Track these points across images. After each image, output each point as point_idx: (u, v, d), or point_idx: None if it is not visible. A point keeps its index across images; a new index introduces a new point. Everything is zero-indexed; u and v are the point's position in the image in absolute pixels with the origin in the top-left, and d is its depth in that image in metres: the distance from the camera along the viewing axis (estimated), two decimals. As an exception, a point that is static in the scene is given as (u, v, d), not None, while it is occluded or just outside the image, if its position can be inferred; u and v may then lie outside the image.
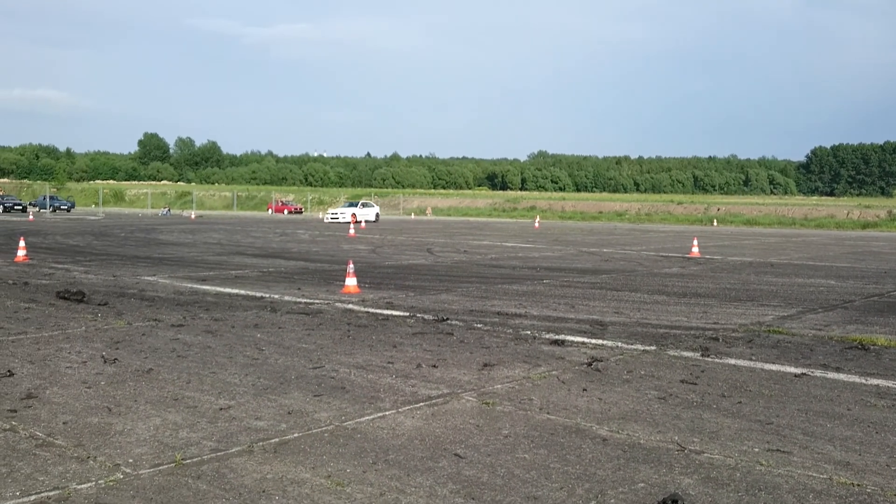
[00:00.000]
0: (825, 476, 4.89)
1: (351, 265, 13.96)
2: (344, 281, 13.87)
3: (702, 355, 8.56)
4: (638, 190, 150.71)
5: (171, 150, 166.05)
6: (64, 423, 5.71)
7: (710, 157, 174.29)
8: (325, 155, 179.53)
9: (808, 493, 4.60)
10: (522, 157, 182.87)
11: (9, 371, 7.19)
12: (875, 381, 7.48)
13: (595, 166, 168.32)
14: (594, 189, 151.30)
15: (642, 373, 7.71)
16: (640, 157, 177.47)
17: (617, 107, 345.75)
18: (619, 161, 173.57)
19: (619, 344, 9.18)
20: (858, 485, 4.75)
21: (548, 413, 6.21)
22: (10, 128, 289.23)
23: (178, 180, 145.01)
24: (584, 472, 4.90)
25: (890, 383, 7.42)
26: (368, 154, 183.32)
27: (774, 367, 8.03)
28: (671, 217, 67.55)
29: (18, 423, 5.69)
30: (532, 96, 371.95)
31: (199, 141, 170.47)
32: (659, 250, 27.33)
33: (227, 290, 13.71)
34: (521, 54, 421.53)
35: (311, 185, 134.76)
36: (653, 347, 9.00)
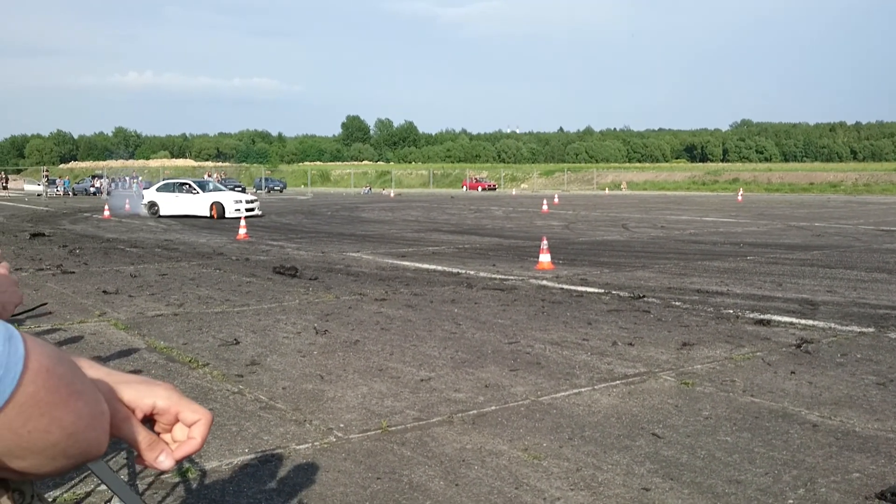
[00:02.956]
0: None
1: (545, 241, 14.01)
2: (538, 257, 13.95)
3: (929, 339, 7.84)
4: (855, 159, 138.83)
5: (372, 132, 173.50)
6: (283, 388, 6.22)
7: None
8: (517, 131, 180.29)
9: None
10: (724, 127, 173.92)
11: (235, 339, 7.92)
12: None
13: (805, 134, 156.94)
14: (804, 159, 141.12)
15: (858, 356, 7.19)
16: (858, 123, 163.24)
17: (829, 68, 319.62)
18: (833, 128, 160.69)
19: (832, 325, 8.61)
20: None
21: (752, 395, 5.97)
22: (230, 115, 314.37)
23: (378, 160, 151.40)
24: (792, 459, 4.68)
25: None
26: (561, 129, 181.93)
27: None
28: (894, 187, 61.78)
29: (245, 386, 6.27)
30: (732, 62, 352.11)
31: (397, 122, 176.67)
32: (879, 224, 25.15)
33: (425, 265, 14.21)
34: (718, 18, 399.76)
35: (504, 162, 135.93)
36: (871, 329, 8.36)
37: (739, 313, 9.30)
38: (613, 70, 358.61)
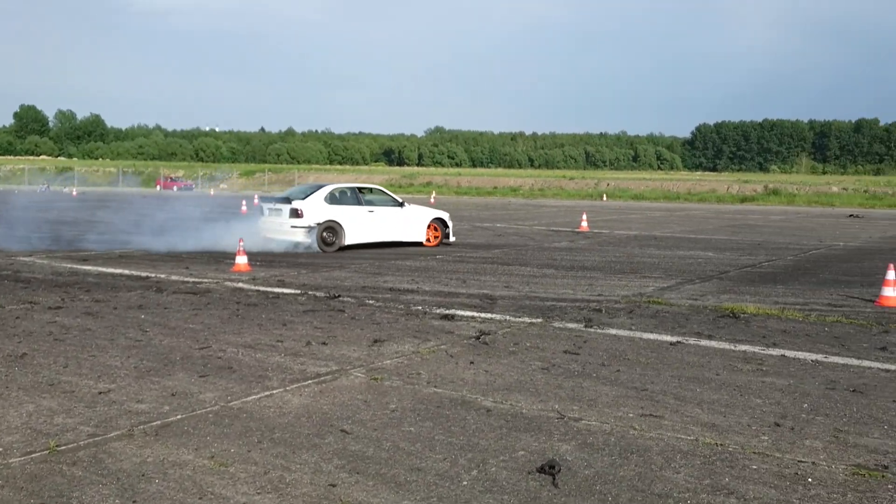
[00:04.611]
0: (692, 437, 5.19)
1: (242, 243, 13.71)
2: (234, 259, 13.61)
3: (585, 326, 8.87)
4: (532, 165, 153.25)
5: (51, 124, 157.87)
6: (-72, 412, 5.43)
7: (601, 133, 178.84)
8: (216, 129, 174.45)
9: (675, 453, 4.88)
10: (419, 133, 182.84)
11: None
12: (743, 347, 7.94)
13: (491, 142, 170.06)
14: (490, 164, 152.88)
15: (528, 344, 7.94)
16: (535, 133, 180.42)
17: (511, 83, 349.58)
18: (514, 137, 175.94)
19: (507, 317, 9.41)
20: (721, 444, 5.06)
21: (435, 387, 6.33)
22: None
23: (59, 155, 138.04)
24: (468, 443, 5.03)
25: (756, 349, 7.89)
26: (262, 129, 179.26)
27: (652, 336, 8.40)
28: (563, 192, 69.09)
29: None
30: (429, 72, 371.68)
31: (82, 114, 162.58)
32: (550, 225, 27.97)
33: (110, 269, 13.24)
34: (416, 30, 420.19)
35: (203, 161, 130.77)
36: (539, 320, 9.26)
37: (427, 309, 9.82)
38: (315, 71, 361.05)
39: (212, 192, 64.64)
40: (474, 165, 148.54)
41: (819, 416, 5.72)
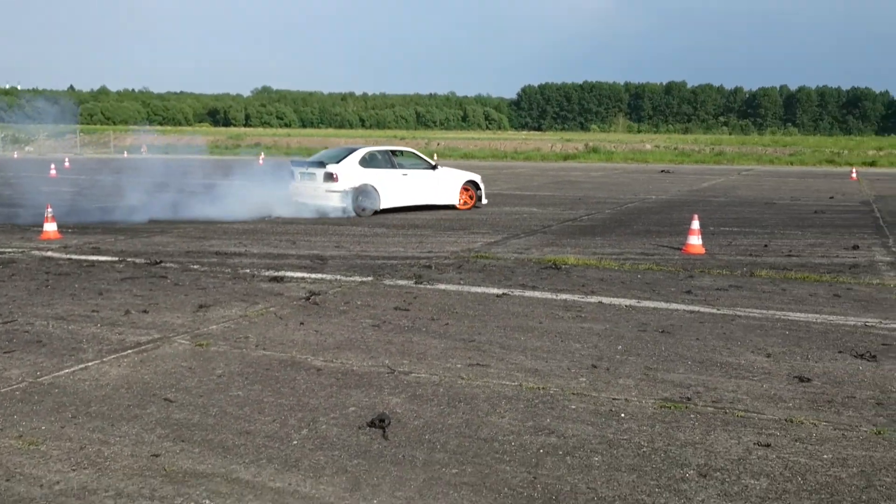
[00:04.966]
0: (516, 383, 5.40)
1: (50, 209, 12.75)
2: (43, 227, 12.66)
3: (415, 283, 8.98)
4: (363, 126, 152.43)
5: None
6: None
7: (430, 94, 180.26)
8: (18, 87, 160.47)
9: (500, 399, 5.07)
10: (245, 93, 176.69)
11: None
12: (564, 296, 8.33)
13: (321, 102, 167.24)
14: (320, 125, 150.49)
15: (359, 303, 7.94)
16: (365, 94, 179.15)
17: (341, 43, 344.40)
18: (344, 97, 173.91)
19: (338, 277, 9.36)
20: (543, 388, 5.31)
21: (264, 349, 6.21)
22: None
23: None
24: (298, 403, 4.98)
25: (576, 297, 8.30)
26: (72, 87, 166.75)
27: (479, 290, 8.64)
28: (395, 152, 69.29)
29: None
30: (253, 30, 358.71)
31: None
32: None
33: None
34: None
35: (3, 122, 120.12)
36: (370, 278, 9.28)
37: (256, 272, 9.59)
38: (131, 27, 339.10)
39: (15, 156, 59.67)
40: (304, 126, 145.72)
41: (632, 356, 6.11)
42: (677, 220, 15.97)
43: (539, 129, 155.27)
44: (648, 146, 64.75)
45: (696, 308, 7.82)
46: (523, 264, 10.40)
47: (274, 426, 4.59)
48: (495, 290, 8.59)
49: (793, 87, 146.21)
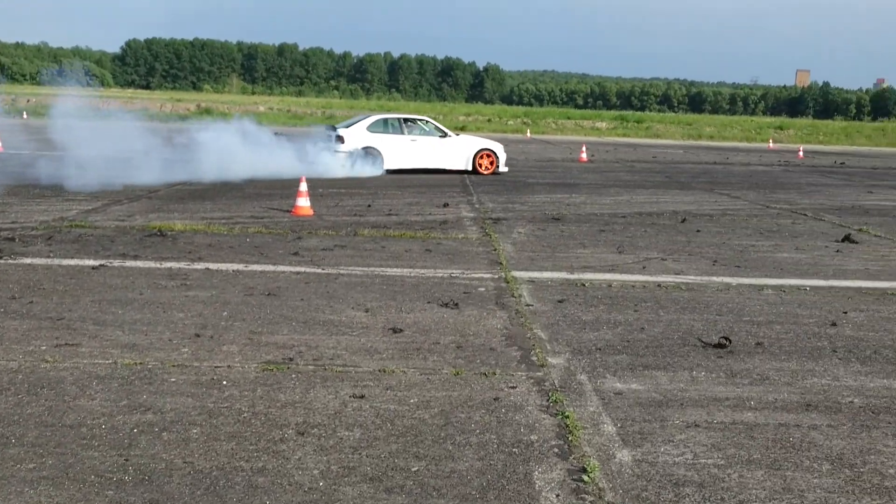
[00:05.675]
0: (111, 361, 5.05)
1: None
2: None
3: (-6, 258, 7.94)
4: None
5: None
6: None
7: (17, 42, 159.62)
8: None
9: (92, 380, 4.70)
10: None
11: None
12: (169, 265, 7.98)
13: None
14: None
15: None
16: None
17: None
18: None
19: None
20: (141, 363, 5.03)
21: None
22: None
23: None
24: None
25: (182, 264, 8.00)
26: None
27: (73, 262, 7.91)
28: (-27, 108, 60.31)
29: None
30: None
31: None
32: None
33: None
34: None
35: None
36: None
37: None
38: None
39: None
40: None
41: (237, 321, 6.06)
42: (288, 183, 16.17)
43: (148, 87, 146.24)
44: (262, 108, 64.60)
45: (303, 269, 8.00)
46: (125, 232, 9.74)
47: None
48: (91, 262, 7.93)
49: (396, 54, 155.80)
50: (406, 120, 19.54)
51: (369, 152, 18.32)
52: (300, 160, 17.59)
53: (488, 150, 19.89)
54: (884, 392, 5.04)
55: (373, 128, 18.81)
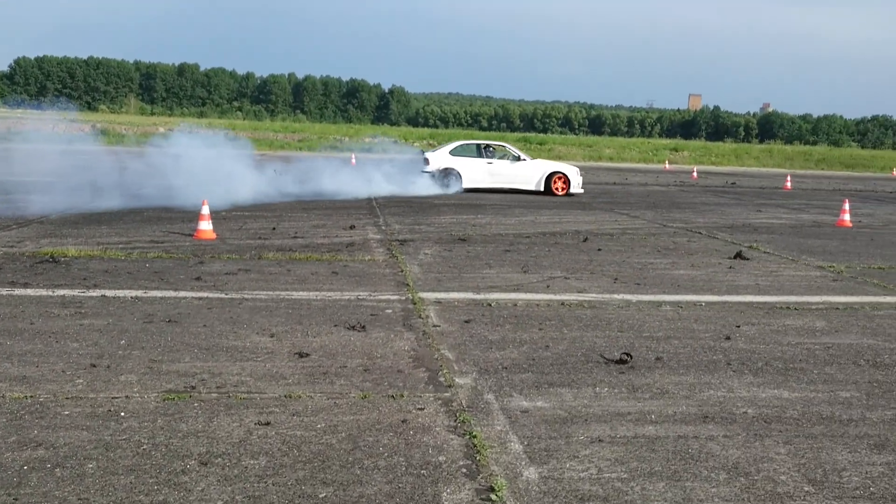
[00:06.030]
0: (-2, 395, 4.79)
1: None
2: None
3: None
4: None
5: None
6: None
7: None
8: None
9: (-23, 417, 4.45)
10: None
11: None
12: (62, 292, 7.65)
13: None
14: None
15: None
16: None
17: None
18: None
19: None
20: (32, 396, 4.80)
21: None
22: None
23: None
24: None
25: (76, 292, 7.68)
26: None
27: (-44, 292, 7.49)
28: None
29: None
30: None
31: None
32: None
33: None
34: None
35: None
36: None
37: None
38: None
39: None
40: None
41: (136, 350, 5.86)
42: (192, 205, 15.78)
43: (40, 107, 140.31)
44: (162, 129, 62.91)
45: (205, 294, 7.81)
46: (14, 259, 9.30)
47: None
48: (-24, 291, 7.53)
49: (300, 75, 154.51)
50: (486, 146, 22.13)
51: (450, 172, 21.08)
52: (388, 181, 20.78)
53: (560, 172, 21.71)
54: (775, 402, 5.28)
55: (454, 152, 21.52)
